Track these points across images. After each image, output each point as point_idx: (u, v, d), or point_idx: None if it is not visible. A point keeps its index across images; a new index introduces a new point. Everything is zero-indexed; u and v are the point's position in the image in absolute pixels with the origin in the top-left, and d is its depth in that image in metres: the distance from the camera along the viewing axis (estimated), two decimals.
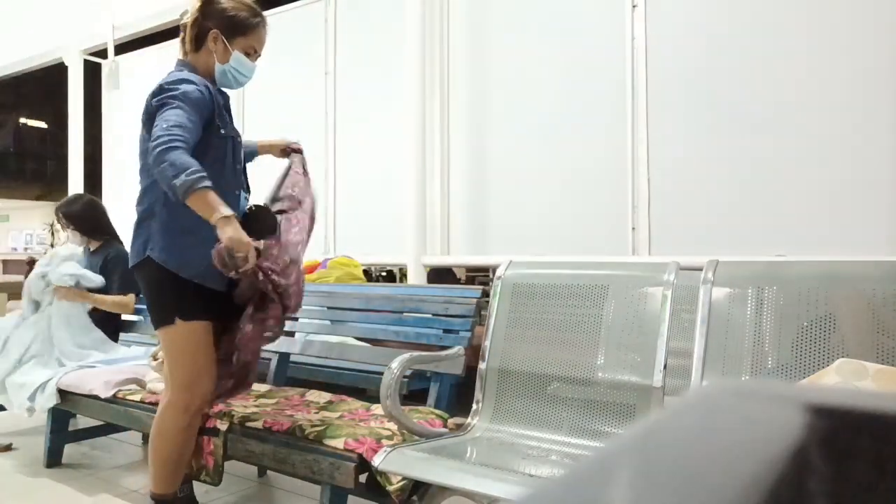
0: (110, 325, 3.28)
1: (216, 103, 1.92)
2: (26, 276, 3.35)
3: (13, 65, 5.99)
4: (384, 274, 6.84)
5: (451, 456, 1.74)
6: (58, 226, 3.53)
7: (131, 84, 5.18)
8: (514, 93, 3.27)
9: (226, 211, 1.70)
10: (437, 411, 2.12)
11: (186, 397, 1.91)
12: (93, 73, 5.45)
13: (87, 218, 3.31)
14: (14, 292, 6.04)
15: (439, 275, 5.96)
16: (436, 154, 3.44)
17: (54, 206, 3.54)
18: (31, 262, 3.38)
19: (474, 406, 2.04)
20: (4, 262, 13.93)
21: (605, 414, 1.84)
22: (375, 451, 1.72)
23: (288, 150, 2.18)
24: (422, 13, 3.41)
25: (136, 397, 2.51)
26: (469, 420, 2.01)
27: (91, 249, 3.31)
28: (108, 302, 3.17)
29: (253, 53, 2.01)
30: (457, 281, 6.03)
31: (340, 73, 3.96)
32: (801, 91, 2.54)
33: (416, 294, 2.57)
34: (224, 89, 2.04)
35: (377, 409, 2.11)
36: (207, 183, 1.68)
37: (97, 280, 3.14)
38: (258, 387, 2.46)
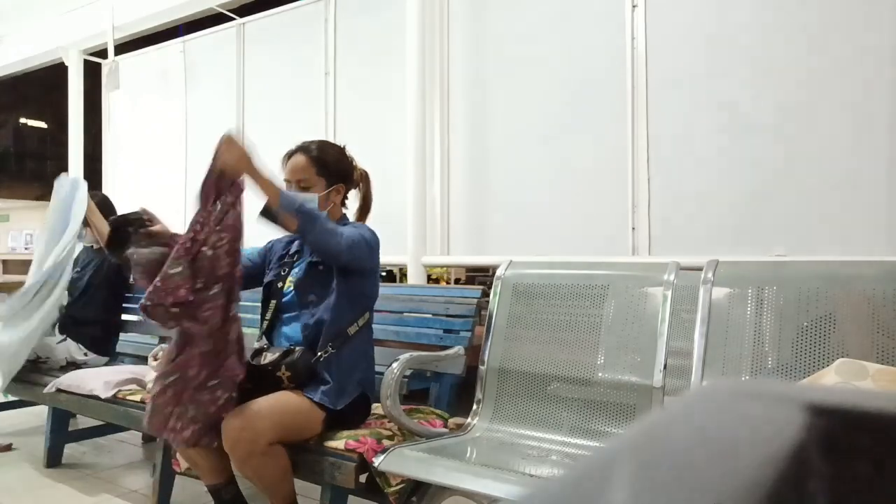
0: (110, 325, 3.28)
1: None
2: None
3: (13, 65, 5.99)
4: (384, 274, 6.86)
5: (451, 456, 1.74)
6: None
7: (131, 84, 5.18)
8: (514, 92, 3.27)
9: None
10: (437, 411, 2.12)
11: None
12: (93, 73, 5.45)
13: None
14: (14, 292, 6.03)
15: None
16: (436, 154, 3.44)
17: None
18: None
19: (474, 406, 2.04)
20: (4, 262, 13.93)
21: (605, 414, 1.84)
22: (376, 452, 1.72)
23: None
24: (421, 12, 3.40)
25: (136, 397, 2.51)
26: (469, 420, 2.01)
27: (96, 247, 3.24)
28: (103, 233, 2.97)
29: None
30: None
31: (340, 73, 3.96)
32: (801, 91, 2.54)
33: (416, 294, 2.57)
34: None
35: (377, 409, 2.11)
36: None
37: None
38: None
